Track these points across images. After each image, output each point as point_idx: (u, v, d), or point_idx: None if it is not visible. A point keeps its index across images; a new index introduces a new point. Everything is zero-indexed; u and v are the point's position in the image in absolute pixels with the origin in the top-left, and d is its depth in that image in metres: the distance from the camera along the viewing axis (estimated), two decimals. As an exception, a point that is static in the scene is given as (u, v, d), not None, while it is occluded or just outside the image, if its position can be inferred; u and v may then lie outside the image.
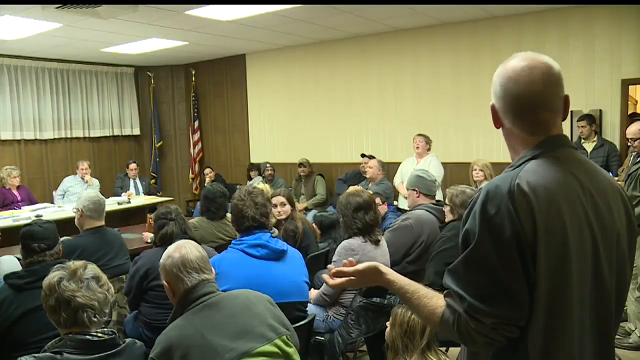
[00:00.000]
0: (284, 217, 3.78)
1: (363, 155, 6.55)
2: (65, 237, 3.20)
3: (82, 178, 6.78)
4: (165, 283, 1.91)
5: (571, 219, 1.14)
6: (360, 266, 1.39)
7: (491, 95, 1.29)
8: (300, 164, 7.19)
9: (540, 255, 1.11)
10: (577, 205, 1.16)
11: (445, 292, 1.22)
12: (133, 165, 7.38)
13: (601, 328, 1.21)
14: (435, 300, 1.24)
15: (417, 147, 5.74)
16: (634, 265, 3.67)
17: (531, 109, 1.22)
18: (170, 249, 1.94)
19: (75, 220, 3.49)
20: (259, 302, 1.90)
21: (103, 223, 3.49)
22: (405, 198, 4.50)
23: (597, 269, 1.18)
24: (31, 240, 2.51)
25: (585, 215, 1.17)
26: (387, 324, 2.25)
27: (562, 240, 1.13)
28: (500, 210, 1.12)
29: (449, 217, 3.33)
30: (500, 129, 1.31)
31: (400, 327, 2.20)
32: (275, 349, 1.81)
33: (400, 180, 5.79)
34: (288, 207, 3.81)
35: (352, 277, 1.39)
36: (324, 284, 2.82)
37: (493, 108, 1.29)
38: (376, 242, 3.07)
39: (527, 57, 1.23)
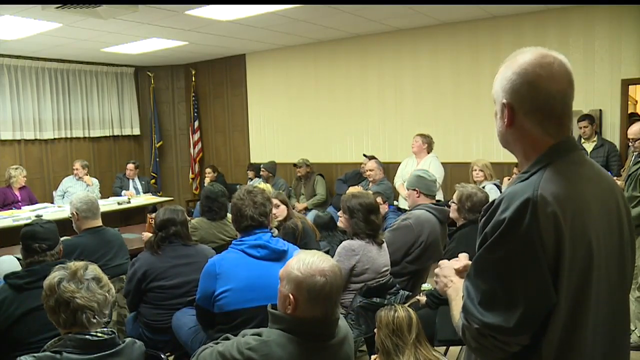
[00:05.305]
0: (280, 218, 3.81)
1: (365, 156, 6.53)
2: (64, 237, 3.20)
3: (80, 179, 6.70)
4: None
5: (593, 227, 1.12)
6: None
7: (501, 93, 1.19)
8: (295, 165, 7.15)
9: (564, 270, 1.07)
10: (594, 210, 1.14)
11: None
12: (130, 166, 7.36)
13: (614, 331, 1.20)
14: None
15: (412, 147, 5.70)
16: (634, 264, 3.67)
17: (562, 107, 1.16)
18: None
19: (73, 224, 3.47)
20: None
21: (100, 222, 3.49)
22: (406, 200, 4.50)
23: (609, 272, 1.16)
24: (32, 241, 2.51)
25: (603, 218, 1.15)
26: (375, 330, 2.26)
27: (587, 254, 1.10)
28: (523, 220, 1.06)
29: (454, 214, 3.30)
30: (508, 129, 1.20)
31: (387, 328, 2.21)
32: None
33: (402, 181, 5.75)
34: (283, 208, 3.86)
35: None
36: None
37: (509, 107, 1.17)
38: (379, 244, 3.09)
39: (543, 52, 1.17)
